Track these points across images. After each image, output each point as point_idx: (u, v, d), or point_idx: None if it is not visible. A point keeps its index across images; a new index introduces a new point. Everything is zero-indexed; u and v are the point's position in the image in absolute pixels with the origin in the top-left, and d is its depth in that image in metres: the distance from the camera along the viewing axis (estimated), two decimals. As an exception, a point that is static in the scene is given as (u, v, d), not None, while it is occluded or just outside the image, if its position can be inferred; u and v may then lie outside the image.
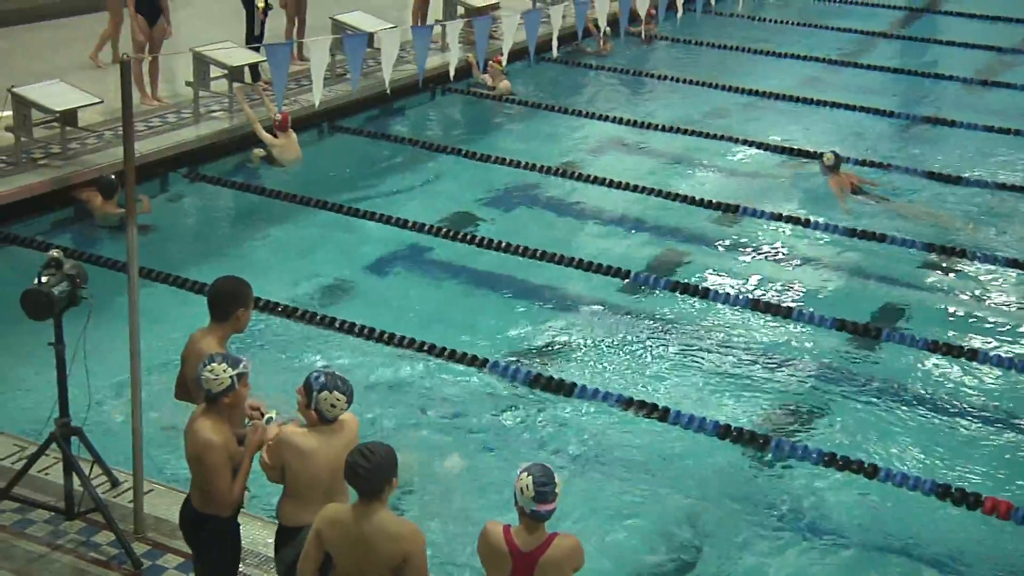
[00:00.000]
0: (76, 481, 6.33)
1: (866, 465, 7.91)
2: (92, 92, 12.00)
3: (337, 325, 9.39)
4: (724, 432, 8.25)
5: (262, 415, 5.64)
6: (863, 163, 13.67)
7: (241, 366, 5.33)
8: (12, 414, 7.87)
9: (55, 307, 5.96)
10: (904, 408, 8.82)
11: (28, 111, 11.41)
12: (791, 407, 8.83)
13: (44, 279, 5.97)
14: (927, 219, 12.36)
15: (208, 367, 5.25)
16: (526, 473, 4.87)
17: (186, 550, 6.21)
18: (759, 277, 10.93)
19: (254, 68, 13.75)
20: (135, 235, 6.05)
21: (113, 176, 11.01)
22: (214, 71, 13.09)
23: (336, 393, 5.23)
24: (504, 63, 12.66)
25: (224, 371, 5.25)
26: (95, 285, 6.34)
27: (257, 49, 13.26)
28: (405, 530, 4.84)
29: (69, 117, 11.61)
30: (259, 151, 12.76)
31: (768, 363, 9.35)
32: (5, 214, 10.78)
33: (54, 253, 6.15)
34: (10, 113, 11.37)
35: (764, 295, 10.47)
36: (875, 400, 8.92)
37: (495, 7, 16.66)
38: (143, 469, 6.38)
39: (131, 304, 6.08)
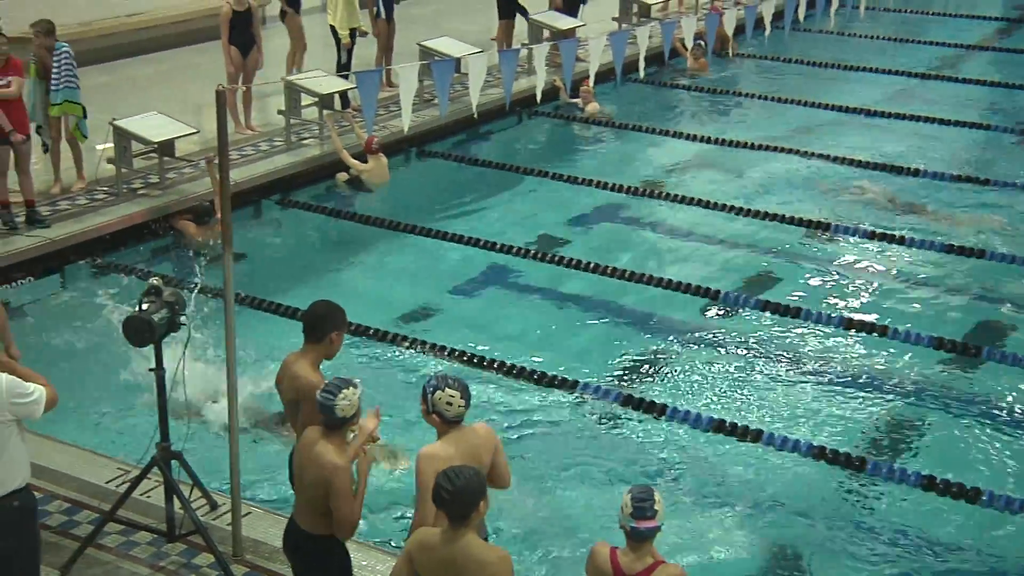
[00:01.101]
0: (177, 504, 6.46)
1: (968, 488, 7.72)
2: (188, 123, 12.30)
3: (427, 348, 9.46)
4: (819, 454, 8.13)
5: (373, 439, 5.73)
6: (958, 178, 13.42)
7: (360, 389, 5.40)
8: (115, 438, 8.05)
9: (155, 333, 6.08)
10: (1006, 428, 8.60)
11: (128, 143, 11.73)
12: (888, 428, 8.66)
13: (144, 306, 6.09)
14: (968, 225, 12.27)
15: (341, 394, 5.29)
16: (627, 491, 4.90)
17: (283, 572, 6.30)
18: (852, 295, 10.75)
19: (344, 95, 13.98)
20: (231, 262, 6.16)
21: (209, 203, 11.26)
22: (305, 99, 13.33)
23: (448, 391, 5.35)
24: (592, 85, 12.69)
25: (355, 395, 5.33)
26: (192, 311, 6.47)
27: (346, 77, 13.50)
28: (492, 556, 4.82)
29: (166, 147, 11.91)
30: (343, 175, 12.96)
31: (863, 383, 9.19)
32: (107, 243, 11.07)
33: (154, 281, 6.28)
34: (111, 145, 11.71)
35: (858, 314, 10.29)
36: (975, 421, 8.71)
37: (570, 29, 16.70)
38: (240, 492, 6.48)
39: (227, 329, 6.19)
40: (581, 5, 17.70)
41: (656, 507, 4.84)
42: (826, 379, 9.25)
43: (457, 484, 4.76)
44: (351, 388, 5.32)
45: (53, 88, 11.20)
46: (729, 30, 14.28)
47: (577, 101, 15.46)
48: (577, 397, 8.84)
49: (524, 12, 16.74)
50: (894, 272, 11.24)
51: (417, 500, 5.36)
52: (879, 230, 11.94)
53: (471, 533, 4.84)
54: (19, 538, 5.12)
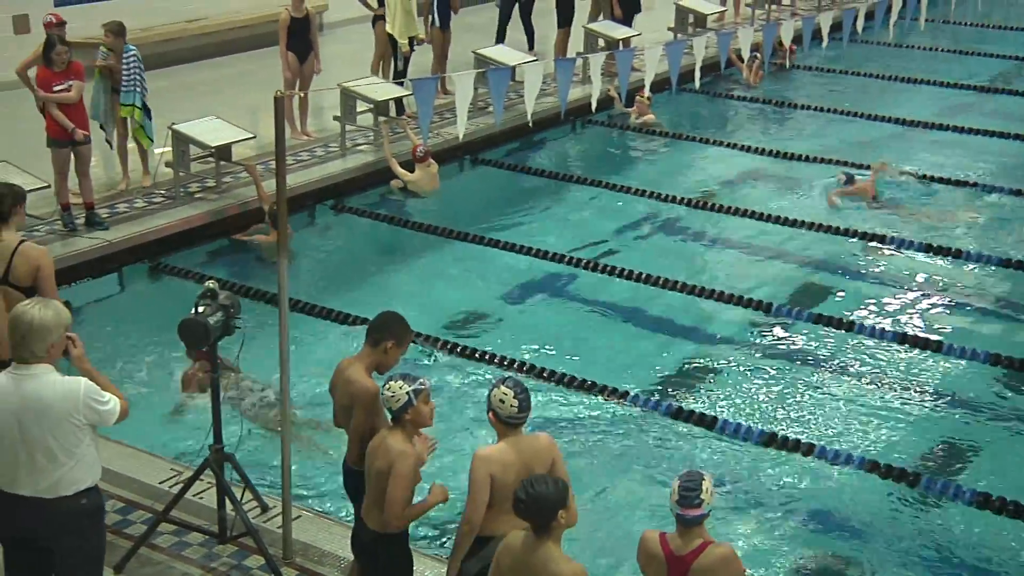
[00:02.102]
0: (228, 506, 6.52)
1: (1024, 507, 7.62)
2: (245, 127, 12.43)
3: (477, 355, 9.47)
4: (872, 468, 8.04)
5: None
6: (1017, 192, 13.24)
7: (418, 383, 5.43)
8: (168, 439, 8.14)
9: (211, 336, 6.14)
10: (1064, 448, 8.47)
11: (186, 147, 11.88)
12: (942, 444, 8.55)
13: (200, 309, 6.15)
14: (934, 220, 12.34)
15: (386, 385, 5.39)
16: (677, 476, 4.98)
17: (332, 576, 6.37)
18: (907, 309, 10.63)
19: (399, 102, 14.05)
20: (286, 267, 6.22)
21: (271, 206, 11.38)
22: (361, 105, 13.42)
23: (503, 387, 5.37)
24: (647, 95, 12.64)
25: (400, 388, 5.36)
26: (247, 315, 6.53)
27: (402, 83, 13.56)
28: (568, 570, 4.82)
29: (223, 152, 12.05)
30: (397, 181, 13.04)
31: (918, 398, 9.09)
32: (164, 246, 11.20)
33: (210, 284, 6.33)
34: (170, 149, 11.86)
35: (912, 328, 10.17)
36: (1032, 439, 8.59)
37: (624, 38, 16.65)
38: (291, 495, 6.53)
39: (281, 334, 6.24)
40: (635, 14, 17.68)
41: (703, 496, 4.90)
42: (880, 394, 9.16)
43: (531, 495, 4.79)
44: (400, 381, 5.38)
45: (124, 90, 11.41)
46: (787, 41, 14.15)
47: (632, 111, 15.40)
48: (627, 407, 8.82)
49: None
50: (949, 286, 11.10)
51: (467, 498, 5.38)
52: (936, 243, 11.80)
53: (552, 543, 4.86)
54: (82, 537, 5.20)
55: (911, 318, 10.45)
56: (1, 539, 5.27)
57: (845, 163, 14.11)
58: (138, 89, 11.43)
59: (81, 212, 11.00)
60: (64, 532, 5.14)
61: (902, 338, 9.89)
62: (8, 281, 6.92)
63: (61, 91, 10.56)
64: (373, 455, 5.47)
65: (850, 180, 13.23)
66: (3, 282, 6.93)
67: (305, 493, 7.46)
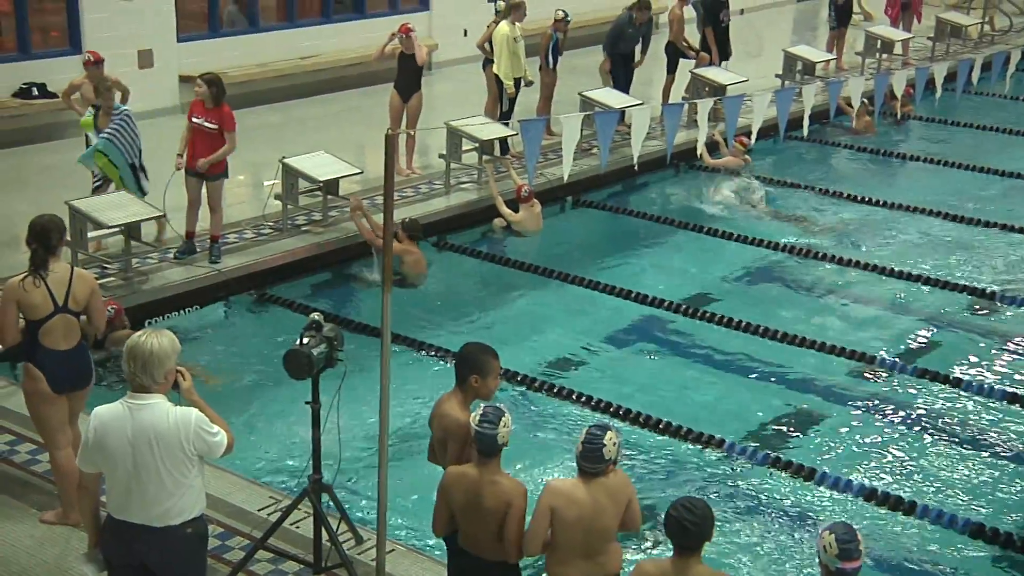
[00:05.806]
0: (324, 536, 6.58)
1: None
2: (352, 163, 12.65)
3: (574, 397, 9.46)
4: (977, 532, 7.82)
5: None
6: None
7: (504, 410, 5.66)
8: (268, 467, 8.28)
9: (314, 368, 6.23)
10: None
11: (295, 180, 12.13)
12: (1051, 510, 8.28)
13: (305, 340, 6.26)
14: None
15: (502, 422, 5.53)
16: (828, 531, 4.93)
17: (423, 611, 6.37)
18: (1016, 369, 10.34)
19: (504, 142, 14.17)
20: (389, 301, 6.28)
21: (408, 219, 11.71)
22: (466, 144, 13.57)
23: (615, 434, 5.51)
24: (753, 141, 12.56)
25: (511, 421, 5.56)
26: (350, 347, 6.62)
27: (507, 124, 13.67)
28: None
29: (331, 186, 12.28)
30: (499, 220, 13.13)
31: (1026, 461, 8.83)
32: (270, 277, 11.42)
33: (315, 316, 6.45)
34: (279, 181, 12.13)
35: (1022, 388, 9.88)
36: None
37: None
38: (386, 529, 6.56)
39: (383, 368, 6.30)
40: (725, 60, 17.61)
41: (860, 547, 4.89)
42: (985, 454, 8.92)
43: (698, 515, 5.02)
44: (507, 415, 5.57)
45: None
46: (899, 91, 13.94)
47: (719, 163, 15.16)
48: (724, 455, 8.72)
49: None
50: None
51: (528, 527, 5.49)
52: (1048, 302, 11.50)
53: (701, 562, 5.05)
54: (187, 564, 5.31)
55: (1020, 378, 10.16)
56: (109, 564, 5.41)
57: (956, 217, 13.85)
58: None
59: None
60: (170, 559, 5.26)
61: (1012, 397, 9.62)
62: (67, 307, 6.78)
63: (199, 123, 10.80)
64: (474, 494, 5.53)
65: None
66: (64, 309, 6.78)
67: (400, 526, 7.51)
